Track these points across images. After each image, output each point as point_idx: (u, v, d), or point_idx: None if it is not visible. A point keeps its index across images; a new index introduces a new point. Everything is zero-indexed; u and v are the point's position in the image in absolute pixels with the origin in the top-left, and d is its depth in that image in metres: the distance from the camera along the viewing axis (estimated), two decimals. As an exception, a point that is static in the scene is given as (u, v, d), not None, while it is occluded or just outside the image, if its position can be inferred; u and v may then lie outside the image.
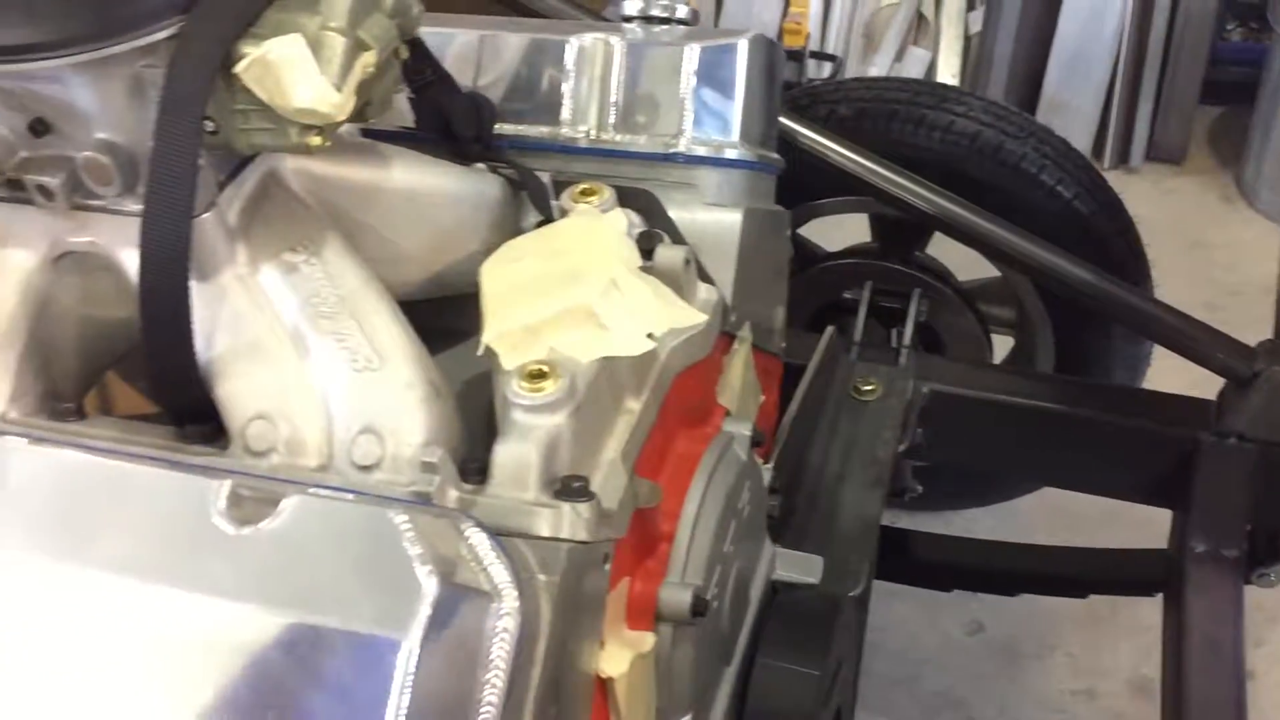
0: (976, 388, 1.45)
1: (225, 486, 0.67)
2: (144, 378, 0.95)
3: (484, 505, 0.74)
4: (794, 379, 1.29)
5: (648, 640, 0.84)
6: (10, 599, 0.67)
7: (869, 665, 1.47)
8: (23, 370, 0.81)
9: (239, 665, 0.62)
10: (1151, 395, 1.54)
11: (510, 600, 0.67)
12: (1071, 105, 3.22)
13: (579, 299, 0.81)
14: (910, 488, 1.64)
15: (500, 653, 0.66)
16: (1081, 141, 3.07)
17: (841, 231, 1.90)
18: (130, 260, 0.78)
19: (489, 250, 0.89)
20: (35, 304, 0.81)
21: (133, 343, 0.86)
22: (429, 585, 0.62)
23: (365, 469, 0.76)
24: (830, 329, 1.39)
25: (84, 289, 0.83)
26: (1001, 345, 1.90)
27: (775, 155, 1.09)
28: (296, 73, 0.71)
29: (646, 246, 0.91)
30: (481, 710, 0.65)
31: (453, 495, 0.74)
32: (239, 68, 0.71)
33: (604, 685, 0.81)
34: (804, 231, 1.78)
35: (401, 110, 0.97)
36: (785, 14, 3.32)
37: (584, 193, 0.94)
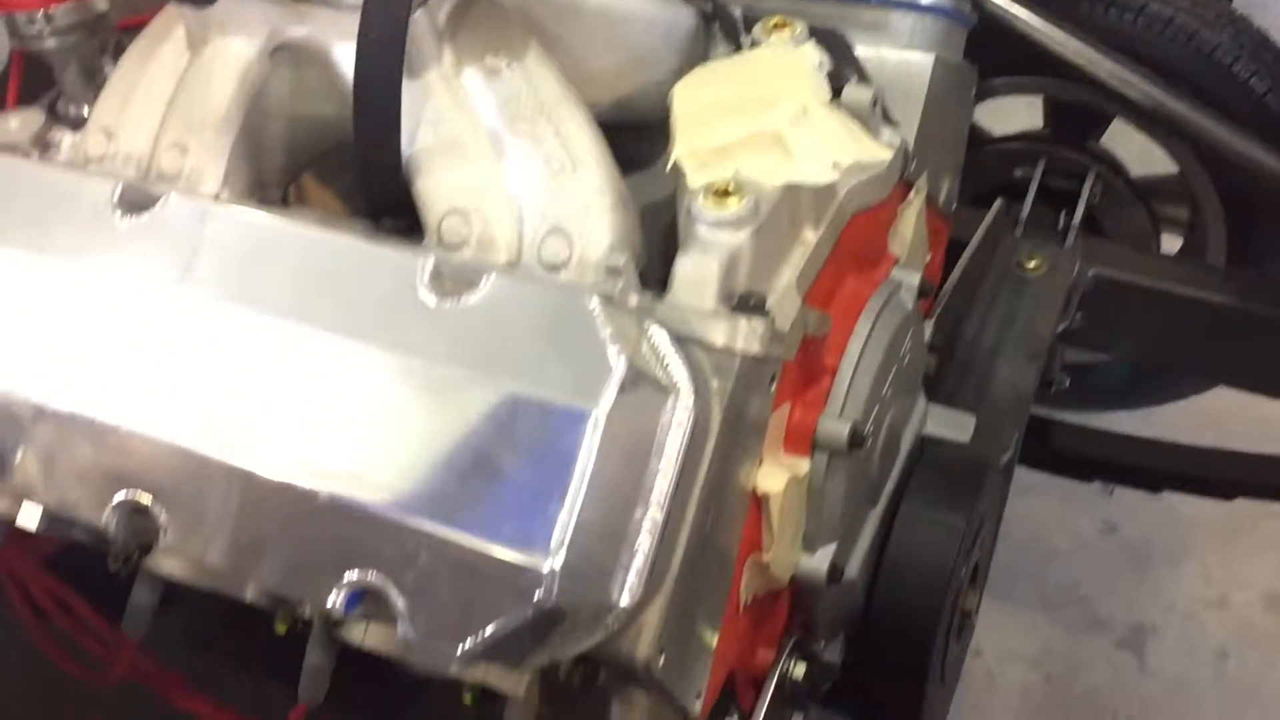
0: (1145, 274, 1.41)
1: (429, 261, 0.71)
2: (341, 179, 1.00)
3: (662, 312, 0.76)
4: (957, 254, 1.28)
5: (803, 465, 0.87)
6: (235, 353, 0.73)
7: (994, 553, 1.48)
8: (236, 155, 0.86)
9: (439, 423, 0.66)
10: (1334, 295, 1.47)
11: (686, 396, 0.70)
12: (1270, 5, 3.04)
13: (769, 124, 0.82)
14: (1058, 380, 1.62)
15: (674, 443, 0.69)
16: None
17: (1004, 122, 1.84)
18: (344, 54, 0.82)
19: (676, 79, 0.91)
20: (251, 93, 0.86)
21: (335, 141, 0.90)
22: (618, 364, 0.65)
23: (553, 268, 0.79)
24: (999, 200, 1.37)
25: (296, 82, 0.87)
26: (1169, 247, 1.84)
27: (969, 6, 1.07)
28: None
29: (836, 84, 0.91)
30: (652, 494, 0.69)
31: (634, 299, 0.77)
32: None
33: (758, 502, 0.84)
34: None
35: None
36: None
37: (777, 25, 0.94)
